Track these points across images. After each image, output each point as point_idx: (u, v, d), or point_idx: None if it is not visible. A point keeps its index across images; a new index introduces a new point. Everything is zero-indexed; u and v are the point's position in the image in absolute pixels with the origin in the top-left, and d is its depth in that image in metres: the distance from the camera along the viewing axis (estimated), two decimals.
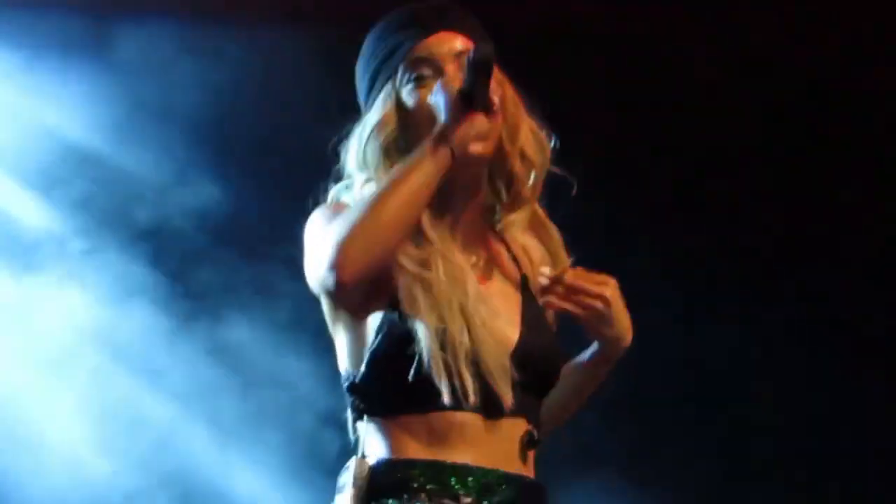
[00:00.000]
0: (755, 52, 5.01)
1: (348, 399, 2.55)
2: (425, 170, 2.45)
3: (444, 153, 2.47)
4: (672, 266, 4.95)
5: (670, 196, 5.00)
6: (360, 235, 2.39)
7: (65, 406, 4.95)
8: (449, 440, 2.47)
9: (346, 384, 2.54)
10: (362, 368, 2.49)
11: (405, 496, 2.44)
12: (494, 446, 2.50)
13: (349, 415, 2.57)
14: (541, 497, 2.56)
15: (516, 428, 2.53)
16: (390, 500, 2.44)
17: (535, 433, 2.55)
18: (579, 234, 2.69)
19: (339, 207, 2.54)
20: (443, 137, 2.47)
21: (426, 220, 2.53)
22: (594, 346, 2.68)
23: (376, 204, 2.42)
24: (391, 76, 2.58)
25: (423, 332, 2.42)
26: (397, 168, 2.46)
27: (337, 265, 2.38)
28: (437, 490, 2.45)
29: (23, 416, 4.93)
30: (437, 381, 2.42)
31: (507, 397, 2.48)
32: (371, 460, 2.48)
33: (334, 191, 2.63)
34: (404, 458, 2.46)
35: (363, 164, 2.58)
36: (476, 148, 2.49)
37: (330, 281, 2.38)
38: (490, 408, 2.49)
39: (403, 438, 2.47)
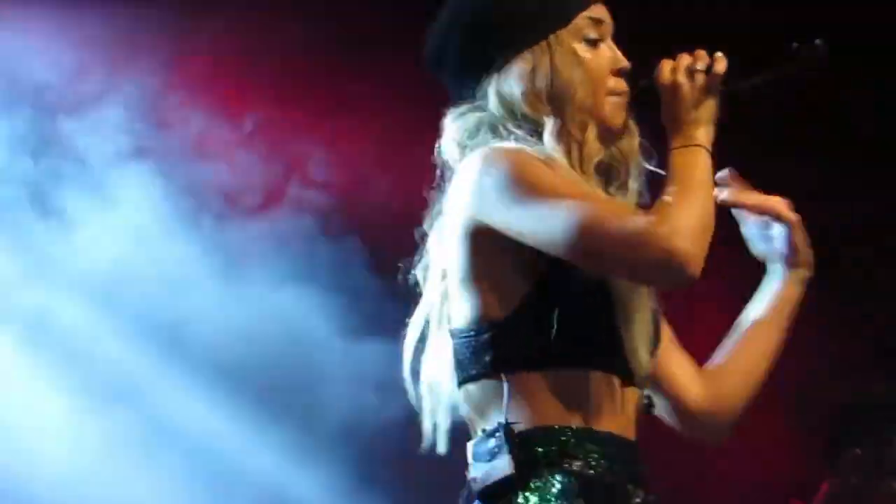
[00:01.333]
0: None
1: (471, 352, 2.46)
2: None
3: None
4: None
5: None
6: (705, 239, 2.39)
7: None
8: (593, 403, 2.44)
9: (484, 333, 2.45)
10: (529, 313, 2.42)
11: (566, 465, 2.40)
12: (626, 412, 2.49)
13: (463, 371, 2.49)
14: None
15: (634, 394, 2.52)
16: (557, 475, 2.39)
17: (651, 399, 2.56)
18: None
19: (547, 164, 2.46)
20: (699, 137, 2.50)
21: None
22: (771, 295, 2.70)
23: (706, 206, 2.43)
24: (562, 24, 2.56)
25: (620, 286, 2.45)
26: (701, 172, 2.47)
27: (695, 264, 2.36)
28: (594, 460, 2.41)
29: None
30: (624, 336, 2.45)
31: (647, 364, 2.50)
32: (521, 426, 2.41)
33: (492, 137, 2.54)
34: (560, 425, 2.42)
35: (548, 107, 2.53)
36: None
37: (683, 277, 2.36)
38: (628, 373, 2.48)
39: (548, 399, 2.42)
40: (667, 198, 2.41)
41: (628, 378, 2.48)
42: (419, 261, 2.61)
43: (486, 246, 2.44)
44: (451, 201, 2.50)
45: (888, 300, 5.07)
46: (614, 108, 2.56)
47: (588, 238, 2.35)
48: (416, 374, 2.56)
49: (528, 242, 2.40)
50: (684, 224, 2.35)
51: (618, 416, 2.46)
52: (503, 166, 2.42)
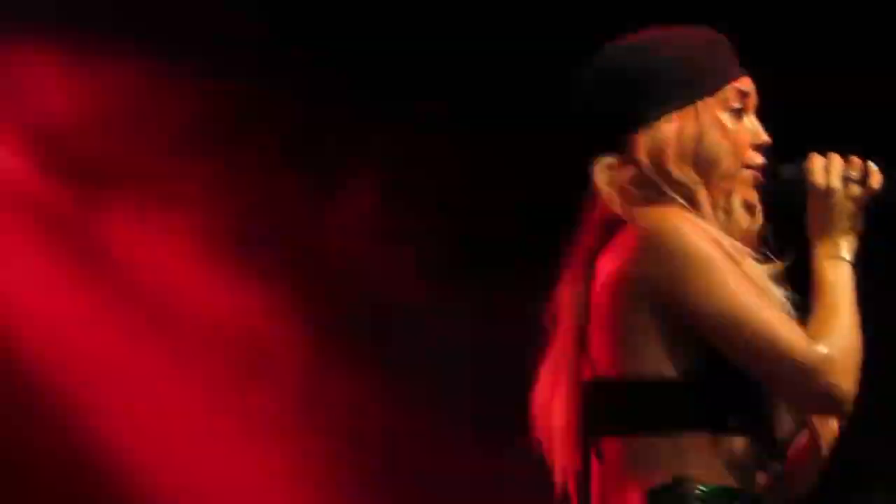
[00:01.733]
0: None
1: (626, 405, 2.49)
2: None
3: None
4: None
5: None
6: (859, 369, 2.45)
7: None
8: (753, 470, 2.48)
9: (648, 389, 2.47)
10: (698, 377, 2.46)
11: None
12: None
13: (610, 422, 2.50)
14: None
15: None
16: None
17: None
18: None
19: (718, 245, 2.47)
20: (845, 250, 2.54)
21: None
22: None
23: (858, 332, 2.46)
24: (712, 91, 2.57)
25: None
26: (851, 293, 2.50)
27: (850, 400, 2.44)
28: None
29: None
30: (777, 407, 2.51)
31: (789, 435, 2.57)
32: (694, 483, 2.44)
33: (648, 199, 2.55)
34: (728, 486, 2.44)
35: (695, 172, 2.54)
36: None
37: (837, 411, 2.49)
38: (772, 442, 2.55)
39: (717, 461, 2.45)
40: (822, 319, 2.46)
41: (770, 446, 2.54)
42: (551, 304, 2.60)
43: (653, 311, 2.46)
44: (613, 257, 2.51)
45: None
46: (750, 182, 2.57)
47: (755, 355, 2.41)
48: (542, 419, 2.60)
49: (697, 332, 2.45)
50: (844, 357, 2.42)
51: (764, 482, 2.51)
52: (681, 248, 2.45)
